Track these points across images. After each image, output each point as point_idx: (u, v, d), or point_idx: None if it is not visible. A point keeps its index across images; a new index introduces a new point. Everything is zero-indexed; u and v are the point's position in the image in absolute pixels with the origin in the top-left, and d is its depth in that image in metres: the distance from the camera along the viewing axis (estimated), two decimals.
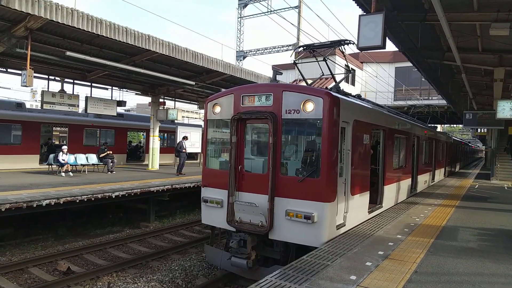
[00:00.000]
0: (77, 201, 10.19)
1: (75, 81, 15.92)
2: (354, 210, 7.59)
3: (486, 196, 13.63)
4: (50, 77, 15.24)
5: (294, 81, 25.79)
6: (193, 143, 19.74)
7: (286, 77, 28.51)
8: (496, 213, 10.02)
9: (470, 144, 53.60)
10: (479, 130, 30.34)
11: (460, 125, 43.52)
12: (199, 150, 20.74)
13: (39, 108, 19.60)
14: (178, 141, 17.71)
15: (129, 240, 11.14)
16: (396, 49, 12.40)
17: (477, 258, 5.82)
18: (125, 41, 11.12)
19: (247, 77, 16.52)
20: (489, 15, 8.99)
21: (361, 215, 8.19)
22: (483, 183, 18.66)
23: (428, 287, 4.57)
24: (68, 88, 15.76)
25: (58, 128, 24.11)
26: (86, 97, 16.28)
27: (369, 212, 8.62)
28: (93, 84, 16.78)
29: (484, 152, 56.62)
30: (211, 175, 8.06)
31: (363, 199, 8.19)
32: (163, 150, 22.47)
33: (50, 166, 15.26)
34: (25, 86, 10.68)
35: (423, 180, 14.71)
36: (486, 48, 11.86)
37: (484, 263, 5.61)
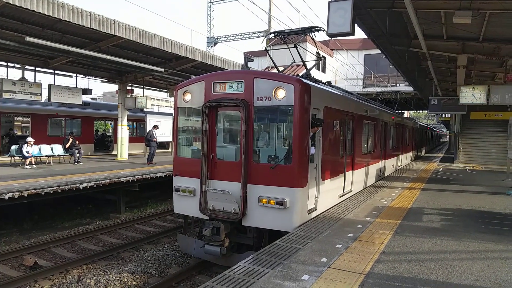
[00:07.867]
0: (43, 193, 9.81)
1: (37, 69, 15.17)
2: (325, 194, 7.75)
3: (450, 178, 14.28)
4: (10, 64, 14.44)
5: (266, 68, 25.74)
6: (163, 132, 19.39)
7: (258, 64, 28.41)
8: (458, 194, 10.53)
9: (435, 129, 55.76)
10: (443, 115, 31.53)
11: (426, 111, 45.05)
12: (170, 139, 20.42)
13: None
14: (148, 130, 17.33)
15: (99, 232, 10.88)
16: (365, 36, 12.58)
17: (440, 237, 6.11)
18: (89, 26, 10.63)
19: (218, 64, 16.28)
20: (453, 3, 9.26)
21: (332, 200, 8.38)
22: (447, 166, 19.55)
23: (395, 267, 4.76)
24: (29, 75, 15.02)
25: (20, 118, 22.99)
26: (49, 85, 15.58)
27: (340, 196, 8.83)
28: (56, 72, 16.04)
29: (448, 136, 59.04)
30: (182, 164, 7.95)
31: (334, 184, 8.37)
32: (132, 140, 21.98)
33: (12, 158, 14.57)
34: None
35: (391, 164, 15.20)
36: (450, 35, 12.26)
37: (446, 242, 5.90)
